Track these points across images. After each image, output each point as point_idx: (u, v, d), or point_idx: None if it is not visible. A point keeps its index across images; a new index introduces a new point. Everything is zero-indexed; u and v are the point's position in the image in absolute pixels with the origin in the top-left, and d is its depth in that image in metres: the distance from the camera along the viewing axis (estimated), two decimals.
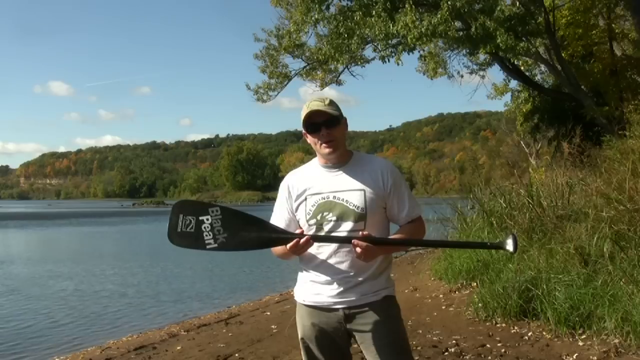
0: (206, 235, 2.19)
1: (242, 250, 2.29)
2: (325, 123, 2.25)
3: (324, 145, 2.27)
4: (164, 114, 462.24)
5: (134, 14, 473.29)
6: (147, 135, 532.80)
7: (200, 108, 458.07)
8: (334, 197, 2.26)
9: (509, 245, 2.17)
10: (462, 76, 16.40)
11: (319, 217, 2.25)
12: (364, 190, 2.25)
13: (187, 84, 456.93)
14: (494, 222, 7.80)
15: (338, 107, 2.30)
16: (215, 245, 2.19)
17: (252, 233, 2.21)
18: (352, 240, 2.14)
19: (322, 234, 2.25)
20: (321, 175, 2.32)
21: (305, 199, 2.30)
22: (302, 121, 2.28)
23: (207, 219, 2.20)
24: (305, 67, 15.83)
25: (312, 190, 2.30)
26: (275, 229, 2.24)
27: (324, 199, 2.26)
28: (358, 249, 2.12)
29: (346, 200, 2.24)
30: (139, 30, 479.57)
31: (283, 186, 2.39)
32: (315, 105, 2.26)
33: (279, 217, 2.38)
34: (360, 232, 2.16)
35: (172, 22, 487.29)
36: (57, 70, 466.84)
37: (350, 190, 2.25)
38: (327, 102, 2.28)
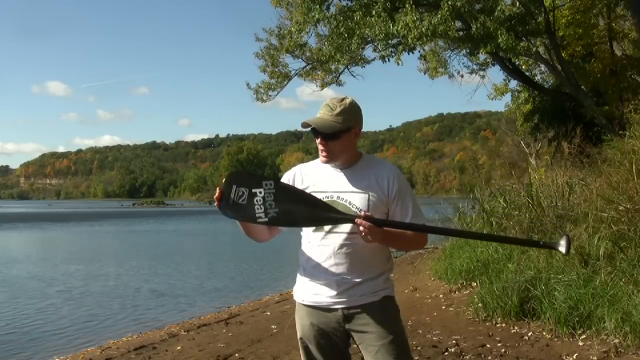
0: (257, 209, 2.16)
1: (292, 227, 2.25)
2: (324, 134, 2.24)
3: (321, 151, 2.29)
4: (162, 114, 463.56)
5: (131, 13, 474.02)
6: (145, 135, 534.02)
7: (199, 108, 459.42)
8: (338, 197, 2.26)
9: (562, 247, 2.11)
10: (462, 76, 16.47)
11: None
12: (368, 194, 2.25)
13: (185, 84, 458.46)
14: (494, 222, 7.81)
15: (350, 116, 2.24)
16: (266, 219, 2.16)
17: (303, 210, 2.18)
18: (356, 220, 2.12)
19: (322, 231, 2.26)
20: (328, 173, 2.31)
21: None
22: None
23: (260, 192, 2.16)
24: (305, 67, 15.83)
25: (316, 187, 2.29)
26: (328, 208, 2.19)
27: (328, 197, 2.26)
28: (361, 228, 2.11)
29: (349, 202, 2.25)
30: (136, 30, 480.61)
31: (289, 174, 2.39)
32: (323, 113, 2.25)
33: None
34: (362, 211, 2.15)
35: (170, 22, 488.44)
36: (55, 70, 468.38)
37: (354, 192, 2.26)
38: (338, 110, 2.23)
